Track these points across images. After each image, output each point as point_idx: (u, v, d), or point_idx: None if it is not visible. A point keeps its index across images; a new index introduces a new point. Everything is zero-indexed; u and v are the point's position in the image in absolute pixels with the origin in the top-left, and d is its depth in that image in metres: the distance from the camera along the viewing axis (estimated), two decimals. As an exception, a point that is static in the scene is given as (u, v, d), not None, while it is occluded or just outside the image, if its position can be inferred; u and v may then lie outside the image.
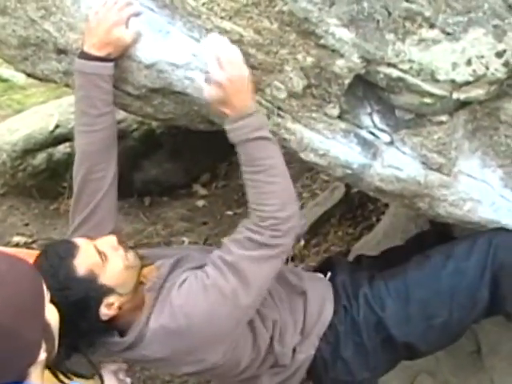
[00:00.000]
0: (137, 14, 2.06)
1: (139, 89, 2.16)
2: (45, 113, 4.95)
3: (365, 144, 2.11)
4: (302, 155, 2.12)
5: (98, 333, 2.05)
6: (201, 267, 2.09)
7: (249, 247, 2.02)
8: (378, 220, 4.10)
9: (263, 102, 2.06)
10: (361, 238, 4.08)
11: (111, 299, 2.00)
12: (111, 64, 2.09)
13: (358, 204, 4.25)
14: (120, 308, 2.03)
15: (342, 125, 2.09)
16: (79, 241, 2.02)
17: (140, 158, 4.69)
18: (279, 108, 2.06)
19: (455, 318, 2.27)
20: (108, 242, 2.06)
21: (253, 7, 1.94)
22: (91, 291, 1.96)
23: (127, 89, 2.19)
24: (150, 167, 4.79)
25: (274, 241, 2.02)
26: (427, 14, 1.89)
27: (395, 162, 2.11)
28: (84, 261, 1.97)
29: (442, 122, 2.06)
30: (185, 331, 2.03)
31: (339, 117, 2.07)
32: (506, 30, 1.94)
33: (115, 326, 2.08)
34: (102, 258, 1.99)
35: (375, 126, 2.11)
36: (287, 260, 4.02)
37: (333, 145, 2.10)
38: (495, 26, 1.92)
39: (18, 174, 4.78)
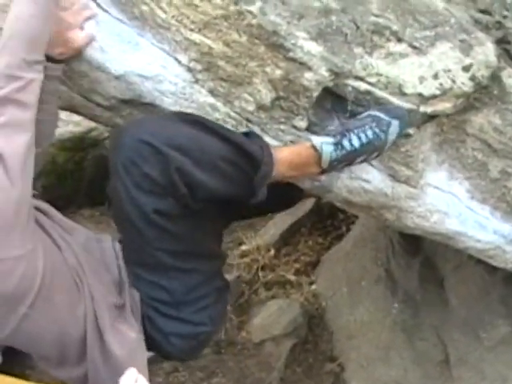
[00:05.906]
0: (92, 17, 2.03)
1: (109, 100, 2.15)
2: None
3: (333, 156, 2.11)
4: (271, 167, 2.12)
5: None
6: None
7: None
8: (348, 230, 4.12)
9: (232, 113, 2.05)
10: (331, 247, 4.10)
11: None
12: (58, 66, 2.03)
13: (328, 214, 4.26)
14: None
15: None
16: None
17: (112, 166, 4.66)
18: (248, 120, 2.06)
19: None
20: None
21: (222, 20, 1.94)
22: None
23: (97, 99, 2.17)
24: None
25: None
26: (395, 28, 1.91)
27: (363, 174, 2.13)
28: None
29: (409, 135, 2.08)
30: None
31: (307, 129, 2.07)
32: (473, 44, 1.97)
33: None
34: None
35: (343, 138, 2.11)
36: (257, 269, 4.03)
37: (301, 157, 2.10)
38: (462, 41, 1.95)
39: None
